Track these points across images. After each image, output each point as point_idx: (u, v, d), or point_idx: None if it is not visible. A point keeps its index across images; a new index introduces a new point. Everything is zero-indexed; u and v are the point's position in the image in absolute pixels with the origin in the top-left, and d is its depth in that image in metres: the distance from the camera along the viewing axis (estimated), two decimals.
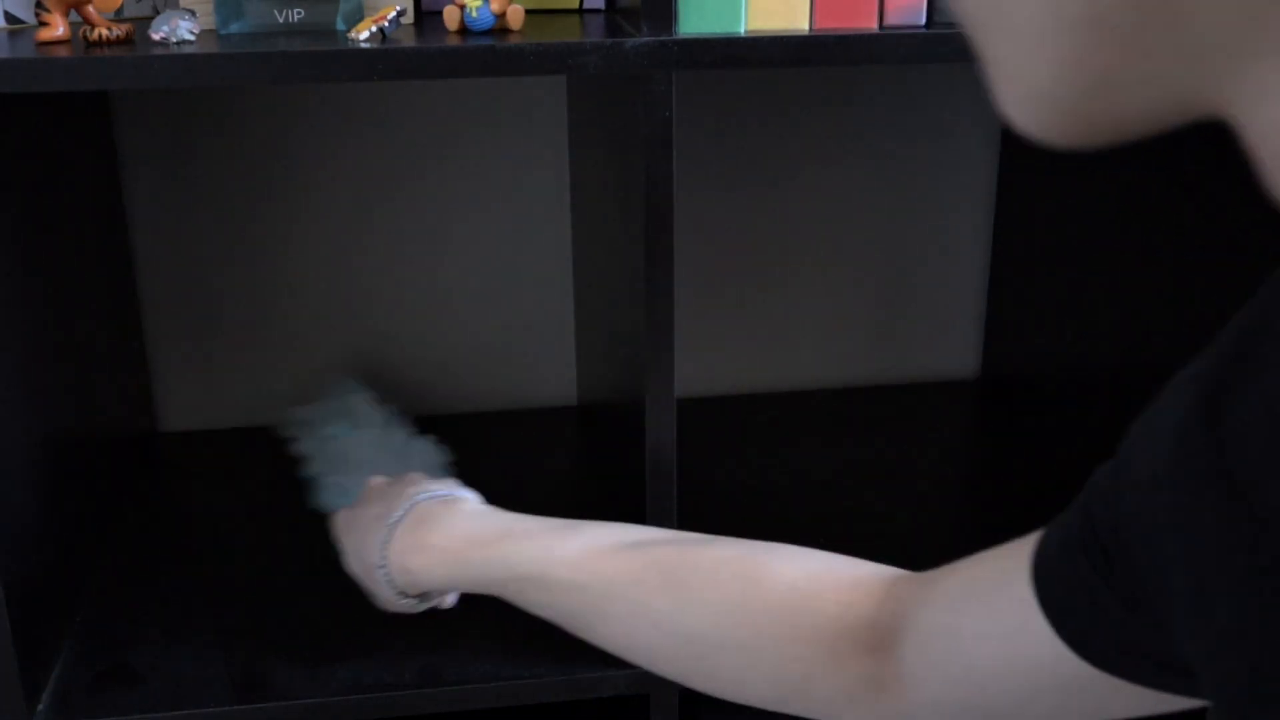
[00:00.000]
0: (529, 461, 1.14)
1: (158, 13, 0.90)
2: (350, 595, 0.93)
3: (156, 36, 0.73)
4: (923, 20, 0.76)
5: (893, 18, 0.75)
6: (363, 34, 0.72)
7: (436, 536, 0.76)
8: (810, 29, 0.75)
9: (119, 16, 0.87)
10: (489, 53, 0.71)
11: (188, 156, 1.14)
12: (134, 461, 1.12)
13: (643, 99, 0.73)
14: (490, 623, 0.90)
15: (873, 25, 0.75)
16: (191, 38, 0.74)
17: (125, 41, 0.74)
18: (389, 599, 0.79)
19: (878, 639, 0.61)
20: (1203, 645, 0.40)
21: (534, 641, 0.88)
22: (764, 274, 1.25)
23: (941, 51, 0.75)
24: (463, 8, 0.76)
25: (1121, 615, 0.48)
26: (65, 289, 0.94)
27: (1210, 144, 0.90)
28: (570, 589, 0.71)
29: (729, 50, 0.73)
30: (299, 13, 0.79)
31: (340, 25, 0.79)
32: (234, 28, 0.78)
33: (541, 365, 1.25)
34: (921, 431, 1.19)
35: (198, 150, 1.14)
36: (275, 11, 0.79)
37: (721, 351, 1.27)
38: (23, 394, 0.84)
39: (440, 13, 0.82)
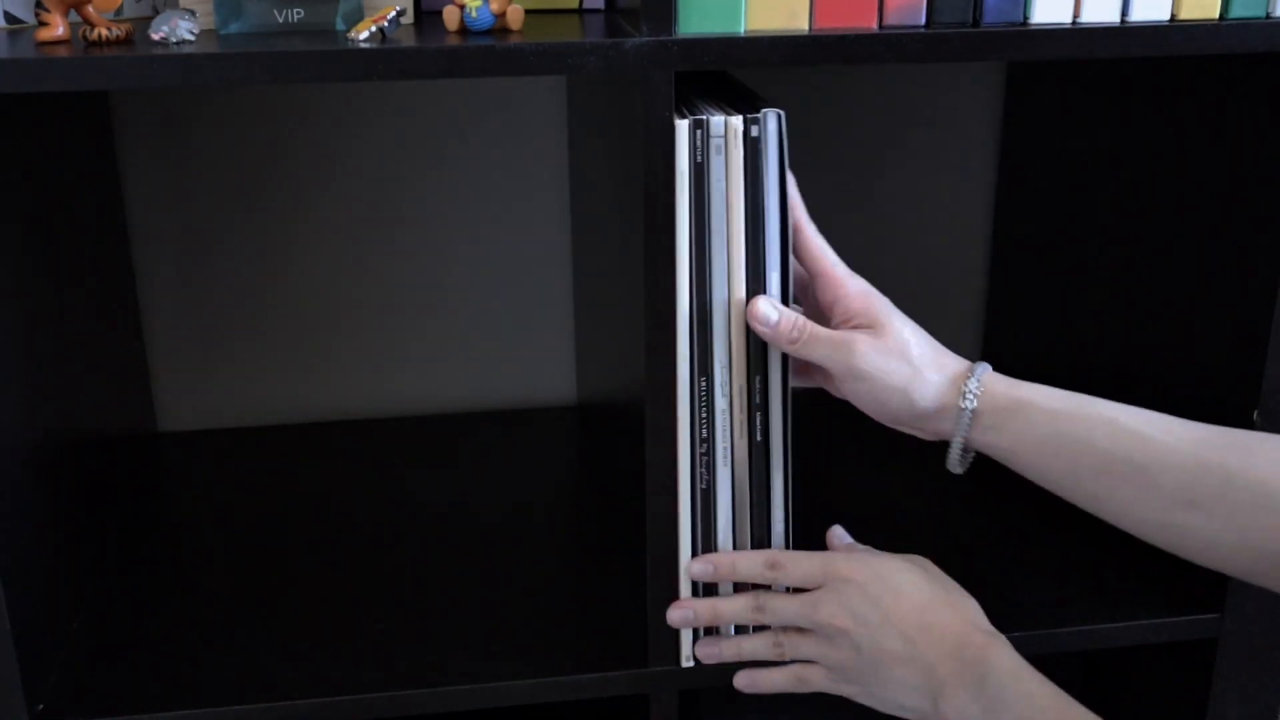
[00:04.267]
0: (529, 461, 1.14)
1: (157, 13, 0.90)
2: (350, 595, 0.94)
3: (156, 36, 0.73)
4: (923, 20, 0.76)
5: (893, 18, 0.75)
6: (362, 34, 0.72)
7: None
8: (810, 29, 0.75)
9: (119, 16, 0.87)
10: (489, 53, 0.71)
11: (188, 156, 1.14)
12: (134, 461, 1.12)
13: (643, 99, 0.73)
14: (490, 623, 0.90)
15: (873, 25, 0.75)
16: (191, 38, 0.74)
17: (125, 41, 0.74)
18: None
19: None
20: None
21: (534, 642, 0.88)
22: None
23: (941, 51, 0.75)
24: (462, 8, 0.76)
25: None
26: (65, 289, 0.94)
27: (1210, 144, 0.90)
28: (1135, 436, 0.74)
29: (729, 50, 0.73)
30: (299, 13, 0.79)
31: (340, 25, 0.79)
32: (234, 28, 0.78)
33: (541, 365, 1.25)
34: None
35: (198, 150, 1.14)
36: (275, 11, 0.79)
37: None
38: (23, 394, 0.84)
39: (440, 13, 0.82)
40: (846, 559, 0.81)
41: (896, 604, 0.78)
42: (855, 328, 0.79)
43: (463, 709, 0.84)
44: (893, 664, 0.78)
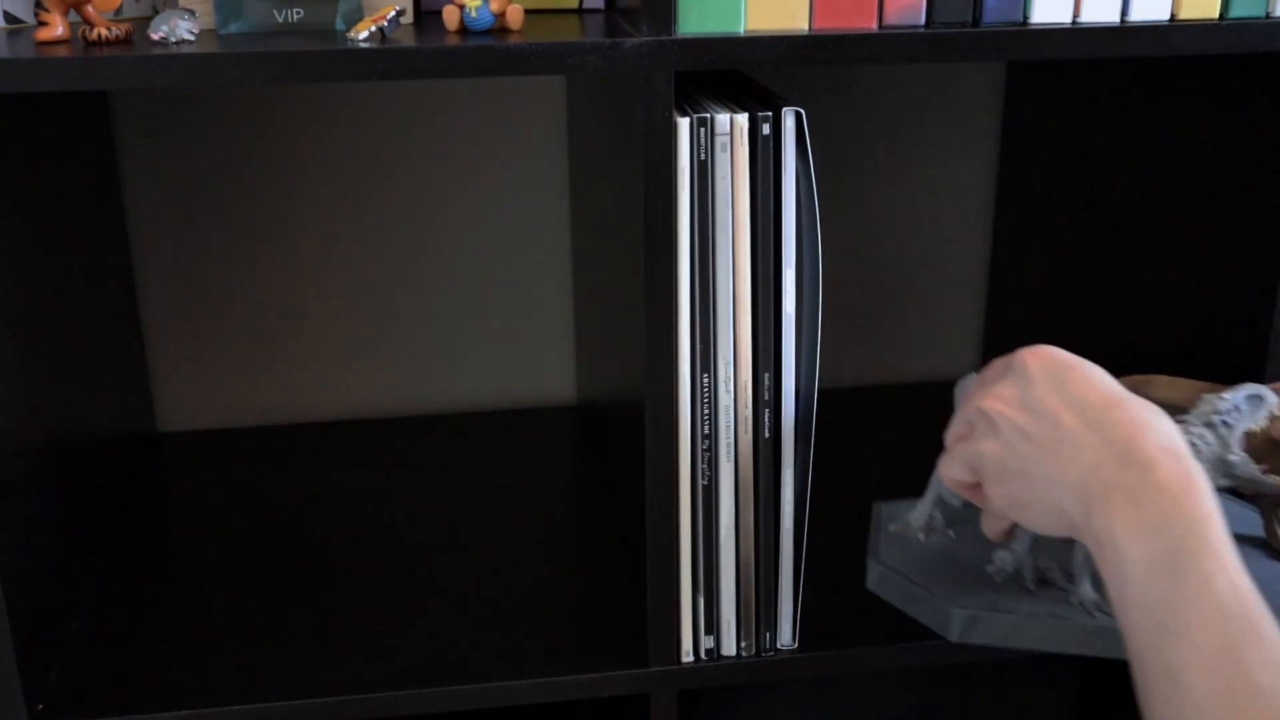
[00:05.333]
0: (529, 461, 1.14)
1: (157, 13, 0.90)
2: (350, 595, 0.94)
3: (156, 36, 0.73)
4: (922, 20, 0.76)
5: (892, 18, 0.75)
6: (362, 34, 0.72)
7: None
8: (810, 29, 0.75)
9: (118, 16, 0.87)
10: (489, 53, 0.71)
11: (188, 156, 1.14)
12: (134, 461, 1.12)
13: (642, 99, 0.73)
14: (490, 623, 0.90)
15: (872, 25, 0.75)
16: (191, 38, 0.74)
17: (125, 41, 0.74)
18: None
19: None
20: None
21: (534, 642, 0.88)
22: None
23: (941, 51, 0.75)
24: (462, 8, 0.76)
25: None
26: (65, 289, 0.94)
27: (1210, 143, 0.90)
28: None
29: (729, 50, 0.73)
30: (298, 13, 0.79)
31: (340, 25, 0.79)
32: (233, 28, 0.78)
33: (541, 365, 1.25)
34: (921, 431, 1.19)
35: (198, 150, 1.14)
36: (275, 11, 0.79)
37: None
38: (23, 394, 0.84)
39: (440, 13, 0.82)
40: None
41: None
42: None
43: (463, 709, 0.84)
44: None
